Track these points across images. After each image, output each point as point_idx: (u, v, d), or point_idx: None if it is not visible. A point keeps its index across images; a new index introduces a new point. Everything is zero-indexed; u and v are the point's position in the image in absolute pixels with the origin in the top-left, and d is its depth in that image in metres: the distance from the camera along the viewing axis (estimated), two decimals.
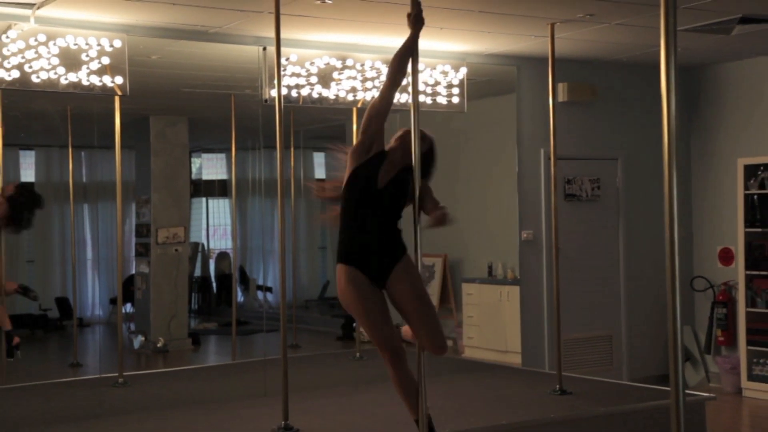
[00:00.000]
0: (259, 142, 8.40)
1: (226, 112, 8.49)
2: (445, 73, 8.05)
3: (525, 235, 8.51)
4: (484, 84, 8.43)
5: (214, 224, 10.75)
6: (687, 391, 6.33)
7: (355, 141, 4.45)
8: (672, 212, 2.75)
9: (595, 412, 6.41)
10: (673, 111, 2.75)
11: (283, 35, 6.09)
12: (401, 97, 7.84)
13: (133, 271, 8.60)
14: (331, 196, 4.50)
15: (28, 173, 8.39)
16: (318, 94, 7.52)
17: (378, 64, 7.73)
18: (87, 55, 6.47)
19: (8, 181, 7.31)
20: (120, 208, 7.11)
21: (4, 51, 6.19)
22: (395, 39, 7.38)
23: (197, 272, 10.60)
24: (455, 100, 8.09)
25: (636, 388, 7.36)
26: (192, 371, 7.96)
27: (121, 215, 7.18)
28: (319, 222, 4.37)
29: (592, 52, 8.36)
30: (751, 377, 8.51)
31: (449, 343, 7.83)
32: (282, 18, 6.02)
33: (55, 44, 6.36)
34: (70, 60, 6.42)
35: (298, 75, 7.41)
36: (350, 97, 7.69)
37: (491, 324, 8.78)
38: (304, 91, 7.45)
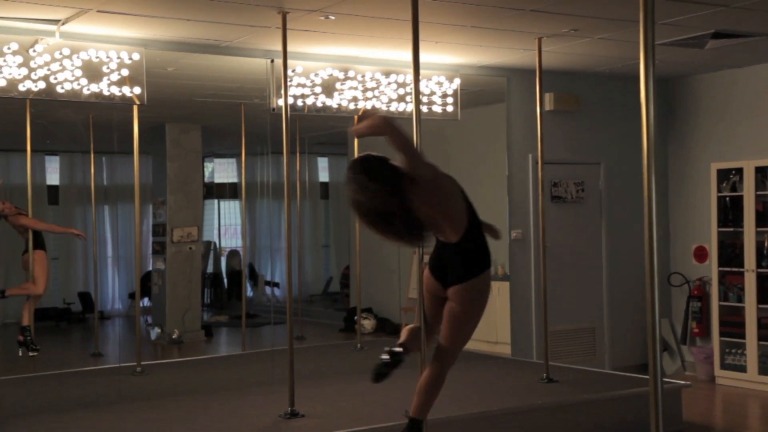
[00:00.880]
0: (267, 148, 8.40)
1: (236, 120, 8.49)
2: (440, 84, 8.06)
3: (514, 235, 8.52)
4: (477, 94, 8.44)
5: (226, 224, 10.75)
6: (664, 379, 6.34)
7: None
8: (650, 213, 2.76)
9: (579, 398, 6.43)
10: (652, 119, 2.76)
11: (289, 49, 6.11)
12: (400, 106, 7.87)
13: (150, 268, 8.60)
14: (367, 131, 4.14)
15: (53, 177, 8.39)
16: (322, 103, 7.52)
17: (377, 76, 7.73)
18: (108, 68, 6.48)
19: (36, 183, 7.34)
20: (138, 209, 7.12)
21: (32, 63, 6.19)
22: (393, 52, 7.43)
23: (209, 269, 10.60)
24: (449, 108, 8.10)
25: (617, 377, 7.37)
26: (205, 361, 7.96)
27: (139, 216, 7.18)
28: (351, 132, 4.05)
29: (577, 65, 8.36)
30: (724, 366, 8.51)
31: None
32: (288, 33, 6.05)
33: (78, 57, 6.36)
34: (92, 72, 6.42)
35: (304, 85, 7.42)
36: (352, 106, 7.69)
37: (483, 317, 8.76)
38: (309, 101, 7.46)
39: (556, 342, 8.39)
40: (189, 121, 8.65)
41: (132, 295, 8.47)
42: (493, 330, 8.60)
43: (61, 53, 6.29)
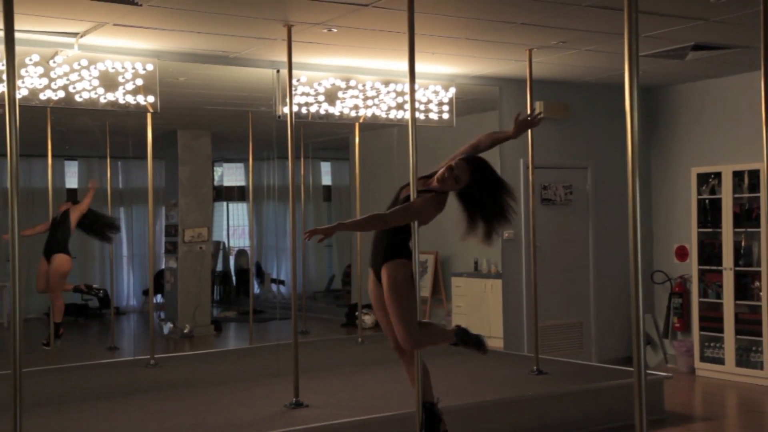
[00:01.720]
0: (273, 153, 8.40)
1: (244, 127, 8.49)
2: (436, 93, 8.06)
3: (506, 235, 8.51)
4: (471, 102, 8.43)
5: (234, 225, 10.74)
6: (647, 371, 6.34)
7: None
8: (635, 214, 2.76)
9: (567, 389, 6.42)
10: (636, 126, 2.76)
11: (294, 59, 6.12)
12: (398, 114, 7.87)
13: (163, 266, 8.59)
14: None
15: (72, 181, 8.38)
16: (325, 111, 7.52)
17: (377, 85, 7.73)
18: (123, 77, 6.48)
19: (57, 186, 7.33)
20: (151, 211, 7.12)
21: (52, 74, 6.19)
22: (392, 63, 7.43)
23: (219, 267, 10.59)
24: (445, 116, 8.10)
25: (603, 369, 7.36)
26: (214, 354, 7.95)
27: (152, 217, 7.18)
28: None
29: (565, 75, 8.37)
30: (703, 359, 8.52)
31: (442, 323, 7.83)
32: (293, 44, 6.05)
33: (95, 68, 6.36)
34: (109, 81, 6.42)
35: (308, 94, 7.42)
36: (353, 114, 7.69)
37: (477, 312, 8.78)
38: (313, 108, 7.46)
39: (546, 336, 8.39)
40: (199, 128, 8.65)
41: (146, 292, 8.46)
42: (486, 325, 8.60)
43: (79, 64, 6.29)
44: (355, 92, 7.64)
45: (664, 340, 9.24)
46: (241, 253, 10.80)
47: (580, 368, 7.31)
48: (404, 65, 4.44)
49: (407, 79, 4.48)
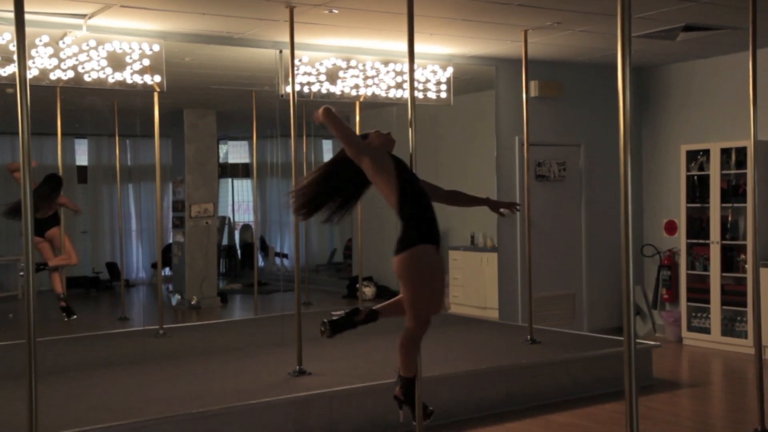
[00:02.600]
0: (276, 131, 8.37)
1: (248, 106, 8.46)
2: (434, 72, 8.03)
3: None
4: (468, 81, 8.41)
5: (239, 201, 10.73)
6: (637, 341, 6.37)
7: (352, 133, 4.20)
8: (626, 190, 2.76)
9: (560, 358, 6.46)
10: (628, 105, 2.75)
11: (296, 40, 6.09)
12: (398, 93, 7.85)
13: (171, 241, 8.60)
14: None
15: (82, 158, 8.36)
16: (326, 90, 7.50)
17: (377, 65, 7.71)
18: (130, 58, 6.46)
19: (67, 164, 7.32)
20: (159, 187, 7.12)
21: (61, 54, 6.17)
22: (392, 43, 7.40)
23: (224, 241, 10.59)
24: (443, 95, 8.08)
25: (594, 338, 7.40)
26: (220, 324, 7.98)
27: (160, 193, 7.19)
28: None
29: (560, 55, 8.34)
30: (690, 328, 8.55)
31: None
32: (295, 25, 6.02)
33: (103, 48, 6.34)
34: (116, 62, 6.40)
35: (310, 74, 7.39)
36: (354, 93, 7.67)
37: (473, 285, 8.81)
38: (315, 88, 7.44)
39: (539, 307, 8.42)
40: (205, 107, 8.62)
41: (154, 265, 8.47)
42: (482, 296, 8.63)
43: (87, 45, 6.26)
44: (356, 72, 7.62)
45: (652, 311, 9.28)
46: (245, 227, 10.80)
47: (572, 337, 7.35)
48: (403, 46, 4.42)
49: (406, 59, 4.47)
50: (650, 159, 9.40)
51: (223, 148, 10.21)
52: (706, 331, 8.38)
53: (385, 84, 7.78)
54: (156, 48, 6.55)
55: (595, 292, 9.15)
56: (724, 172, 8.27)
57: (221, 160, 10.00)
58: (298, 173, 6.01)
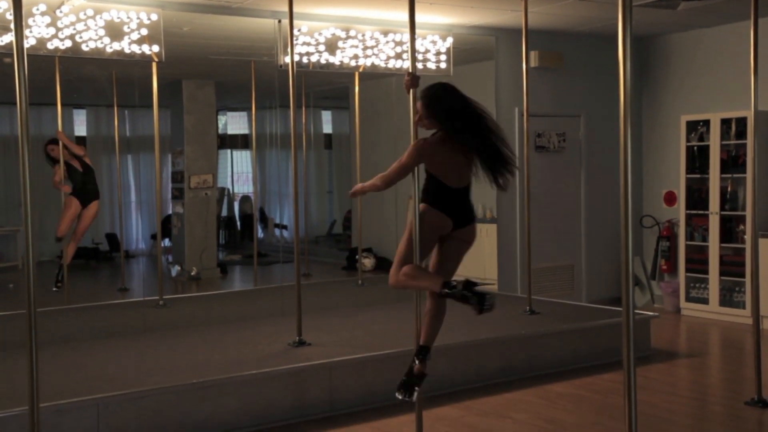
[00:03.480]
0: (276, 102, 8.34)
1: (247, 76, 8.42)
2: (434, 42, 7.98)
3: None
4: (468, 52, 8.36)
5: (238, 172, 10.72)
6: (635, 311, 6.40)
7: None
8: (626, 161, 2.75)
9: (558, 328, 6.49)
10: (628, 75, 2.73)
11: (295, 9, 6.04)
12: (397, 63, 7.81)
13: (170, 212, 8.60)
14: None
15: (80, 129, 8.34)
16: (325, 60, 7.46)
17: (377, 35, 7.66)
18: (128, 27, 6.41)
19: (66, 134, 7.29)
20: (158, 158, 7.10)
21: (59, 24, 6.12)
22: (391, 13, 7.35)
23: (224, 212, 10.60)
24: (443, 65, 8.04)
25: (593, 309, 7.43)
26: (220, 295, 8.00)
27: (159, 164, 7.17)
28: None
29: (560, 25, 8.28)
30: (689, 299, 8.58)
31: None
32: None
33: (101, 18, 6.29)
34: (114, 31, 6.36)
35: (309, 44, 7.35)
36: (353, 63, 7.63)
37: (472, 256, 8.75)
38: (314, 58, 7.39)
39: (538, 278, 8.44)
40: (204, 77, 8.58)
41: (154, 236, 8.48)
42: (482, 267, 8.64)
43: (85, 14, 6.21)
44: (355, 42, 7.57)
45: (651, 282, 9.30)
46: (245, 198, 10.80)
47: (570, 308, 7.37)
48: (403, 15, 4.38)
49: (406, 29, 4.43)
50: (650, 130, 9.37)
51: (222, 119, 10.18)
52: (705, 301, 8.41)
53: (385, 54, 7.74)
54: (154, 17, 6.50)
55: (594, 263, 9.17)
56: (724, 142, 8.25)
57: (220, 131, 9.98)
58: (298, 144, 5.98)
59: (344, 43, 7.51)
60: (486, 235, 8.61)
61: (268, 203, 10.47)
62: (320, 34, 7.37)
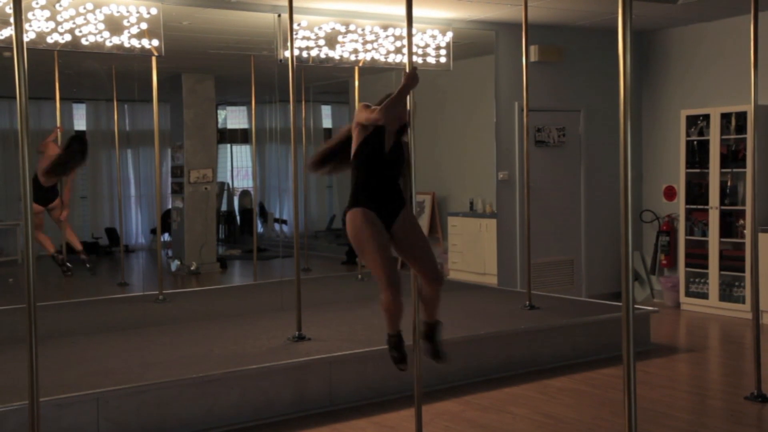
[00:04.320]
0: (275, 96, 8.34)
1: (246, 71, 8.41)
2: (434, 37, 7.97)
3: (501, 176, 8.51)
4: (467, 46, 8.35)
5: (238, 166, 10.71)
6: (635, 306, 6.41)
7: (357, 106, 4.31)
8: (626, 156, 2.75)
9: (558, 323, 6.49)
10: (628, 69, 2.73)
11: (295, 4, 6.03)
12: (396, 58, 7.80)
13: (170, 206, 8.60)
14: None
15: (80, 123, 8.33)
16: (325, 54, 7.45)
17: (376, 29, 7.65)
18: (128, 21, 6.40)
19: (65, 129, 7.29)
20: (158, 152, 7.10)
21: (58, 18, 6.11)
22: (391, 7, 7.34)
23: (223, 207, 10.59)
24: (443, 60, 8.03)
25: (593, 304, 7.43)
26: (220, 290, 8.01)
27: (158, 159, 7.17)
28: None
29: (560, 19, 8.27)
30: (688, 294, 8.59)
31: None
32: None
33: (101, 11, 6.28)
34: (114, 25, 6.35)
35: (308, 38, 7.34)
36: (353, 58, 7.62)
37: (472, 251, 8.82)
38: (314, 53, 7.39)
39: (538, 273, 8.44)
40: (203, 72, 8.57)
41: (154, 231, 8.48)
42: (481, 262, 8.65)
43: (85, 8, 6.21)
44: (355, 36, 7.56)
45: (651, 276, 9.31)
46: (244, 193, 10.79)
47: (570, 303, 7.38)
48: (402, 10, 4.37)
49: (405, 24, 4.42)
50: (650, 124, 9.37)
51: (221, 114, 10.17)
52: (704, 296, 8.42)
53: (384, 49, 7.73)
54: (154, 11, 6.49)
55: (594, 258, 9.17)
56: (724, 137, 8.25)
57: (220, 126, 9.97)
58: (297, 139, 5.98)
59: (344, 37, 7.50)
60: (485, 230, 8.61)
61: (268, 198, 10.46)
62: (320, 28, 7.36)
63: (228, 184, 10.65)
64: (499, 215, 8.54)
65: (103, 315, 6.53)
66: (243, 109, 10.22)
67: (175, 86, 8.36)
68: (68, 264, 7.14)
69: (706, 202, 8.38)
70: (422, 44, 7.88)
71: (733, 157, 8.21)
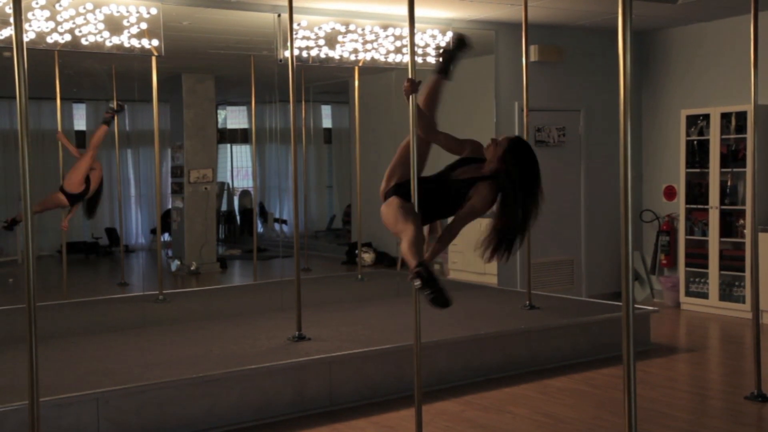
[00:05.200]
0: (275, 96, 8.33)
1: (246, 71, 8.41)
2: (434, 37, 7.97)
3: None
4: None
5: (238, 166, 10.71)
6: (635, 306, 6.40)
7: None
8: (626, 155, 2.75)
9: (558, 323, 6.49)
10: (628, 69, 2.73)
11: (295, 3, 6.03)
12: (397, 58, 7.80)
13: (170, 206, 8.60)
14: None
15: (80, 123, 8.33)
16: (325, 54, 7.45)
17: (376, 29, 7.65)
18: (128, 21, 6.40)
19: (65, 129, 7.28)
20: (158, 152, 7.10)
21: (58, 17, 6.12)
22: (391, 7, 7.34)
23: (223, 207, 10.59)
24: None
25: (593, 303, 7.43)
26: (220, 290, 8.01)
27: (158, 159, 7.16)
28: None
29: (560, 19, 8.27)
30: (688, 293, 8.59)
31: (436, 267, 7.88)
32: None
33: (100, 11, 6.29)
34: (114, 25, 6.35)
35: (308, 38, 7.34)
36: (352, 57, 7.62)
37: (472, 250, 8.79)
38: (313, 52, 7.39)
39: (538, 273, 8.44)
40: (203, 72, 8.57)
41: (154, 231, 8.48)
42: (481, 262, 8.62)
43: (84, 7, 6.21)
44: (355, 36, 7.56)
45: (651, 276, 9.30)
46: (244, 193, 10.80)
47: (570, 303, 7.37)
48: (402, 9, 4.37)
49: (405, 24, 4.43)
50: (650, 124, 9.37)
51: (221, 114, 10.17)
52: (704, 296, 8.42)
53: (384, 48, 7.73)
54: (153, 11, 6.49)
55: (594, 258, 9.17)
56: (724, 136, 8.25)
57: (220, 126, 9.97)
58: (297, 139, 5.98)
59: (344, 37, 7.50)
60: (485, 230, 8.59)
61: (268, 198, 10.46)
62: (320, 28, 7.36)
63: (228, 184, 10.65)
64: None
65: (103, 315, 6.53)
66: (243, 108, 10.22)
67: (175, 86, 8.36)
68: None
69: (706, 202, 8.37)
70: (422, 44, 7.88)
71: (733, 156, 8.21)
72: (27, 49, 3.29)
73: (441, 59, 4.21)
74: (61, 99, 7.03)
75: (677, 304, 8.70)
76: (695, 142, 8.48)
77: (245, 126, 10.27)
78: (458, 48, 4.25)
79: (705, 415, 5.19)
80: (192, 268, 8.27)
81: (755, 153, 5.46)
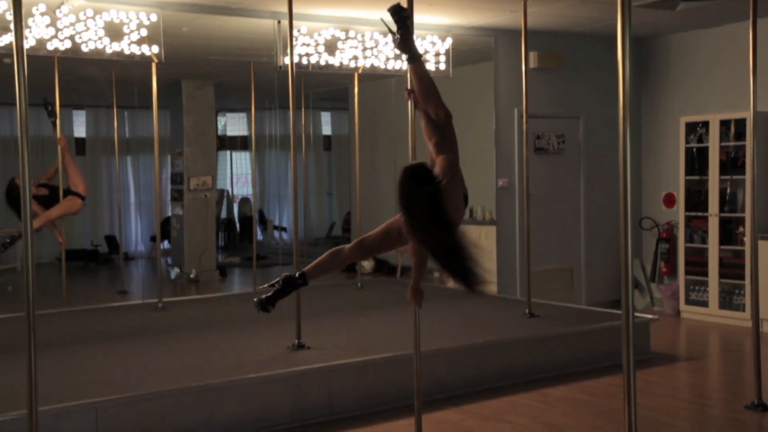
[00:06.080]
0: (275, 103, 8.35)
1: (246, 77, 8.42)
2: (433, 43, 7.98)
3: (501, 183, 8.51)
4: (467, 52, 8.36)
5: (237, 173, 10.71)
6: (635, 314, 6.39)
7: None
8: (625, 162, 2.75)
9: (558, 331, 6.48)
10: (627, 76, 2.73)
11: (295, 10, 6.04)
12: (396, 64, 7.80)
13: (170, 213, 8.60)
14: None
15: (80, 130, 8.34)
16: (325, 61, 7.46)
17: (376, 35, 7.66)
18: (128, 28, 6.41)
19: (66, 136, 7.28)
20: (157, 159, 7.10)
21: (58, 24, 6.12)
22: None
23: (223, 214, 10.59)
24: (442, 66, 8.04)
25: (592, 312, 7.42)
26: (220, 298, 8.00)
27: (158, 166, 7.16)
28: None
29: (560, 25, 8.28)
30: (688, 302, 8.58)
31: (436, 274, 7.87)
32: None
33: (100, 18, 6.29)
34: (114, 31, 6.35)
35: (308, 45, 7.34)
36: (352, 64, 7.63)
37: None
38: (313, 59, 7.39)
39: (538, 281, 8.43)
40: (203, 78, 8.58)
41: (153, 238, 8.47)
42: (481, 270, 8.62)
43: (85, 14, 6.22)
44: (355, 43, 7.57)
45: (651, 284, 9.29)
46: (244, 200, 10.79)
47: (570, 311, 7.36)
48: None
49: None
50: (649, 131, 9.37)
51: (221, 120, 10.18)
52: (704, 304, 8.41)
53: (384, 55, 7.74)
54: (153, 18, 6.50)
55: (594, 266, 9.17)
56: (723, 144, 8.25)
57: (219, 132, 9.98)
58: (297, 146, 5.98)
59: (344, 44, 7.51)
60: (485, 237, 8.60)
61: (268, 205, 10.46)
62: (320, 34, 7.37)
63: (228, 192, 10.65)
64: (498, 222, 8.53)
65: (103, 323, 6.52)
66: (243, 115, 10.23)
67: (175, 93, 8.37)
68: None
69: (706, 209, 8.37)
70: (421, 50, 7.87)
71: (732, 164, 8.22)
72: (27, 55, 3.30)
73: (400, 45, 4.10)
74: (61, 106, 7.04)
75: (677, 313, 8.69)
76: (694, 150, 8.48)
77: (245, 133, 10.27)
78: (403, 21, 4.14)
79: (705, 424, 5.18)
80: (192, 276, 8.26)
81: (755, 160, 5.45)
